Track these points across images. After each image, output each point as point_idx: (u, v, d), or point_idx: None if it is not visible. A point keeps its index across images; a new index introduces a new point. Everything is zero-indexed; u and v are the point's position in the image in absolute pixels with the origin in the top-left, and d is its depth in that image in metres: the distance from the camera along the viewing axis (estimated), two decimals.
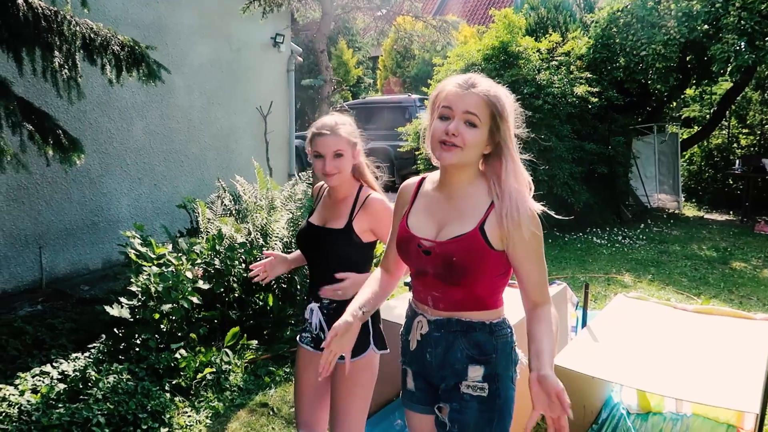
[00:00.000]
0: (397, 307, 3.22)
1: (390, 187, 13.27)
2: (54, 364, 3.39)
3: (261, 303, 4.21)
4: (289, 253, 2.66)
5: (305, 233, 2.21)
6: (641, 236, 8.11)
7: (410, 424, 1.84)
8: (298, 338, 2.28)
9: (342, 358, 2.04)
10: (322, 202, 2.25)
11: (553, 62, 8.60)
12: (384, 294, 1.82)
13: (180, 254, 3.99)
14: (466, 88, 1.53)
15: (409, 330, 1.75)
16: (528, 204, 1.52)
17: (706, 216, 9.97)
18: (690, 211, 10.49)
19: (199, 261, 4.02)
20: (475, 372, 1.61)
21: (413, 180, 1.77)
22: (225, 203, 5.03)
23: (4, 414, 2.84)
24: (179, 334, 3.72)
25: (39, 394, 3.03)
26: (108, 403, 2.98)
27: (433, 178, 1.71)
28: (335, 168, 2.06)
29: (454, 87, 1.54)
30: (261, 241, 4.36)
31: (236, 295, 4.14)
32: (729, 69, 7.72)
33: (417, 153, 9.15)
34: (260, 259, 4.24)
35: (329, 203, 2.20)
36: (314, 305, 2.17)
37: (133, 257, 3.80)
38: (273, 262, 2.32)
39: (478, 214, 1.56)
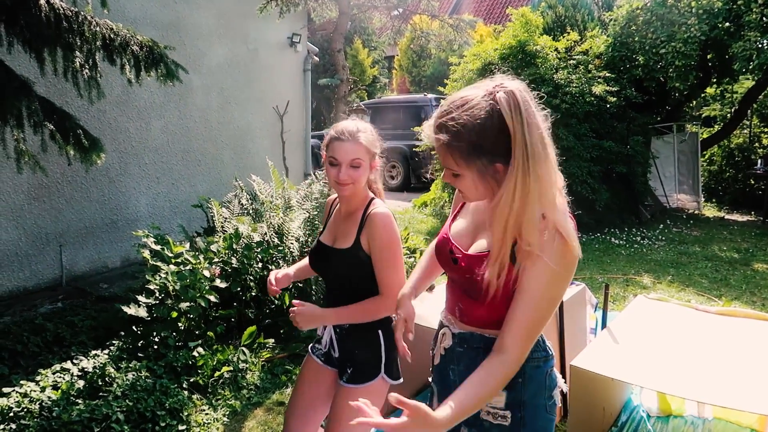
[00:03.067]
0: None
1: (406, 186, 13.16)
2: (74, 361, 3.43)
3: (278, 302, 4.22)
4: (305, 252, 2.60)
5: (316, 252, 2.12)
6: (660, 237, 8.00)
7: None
8: (310, 348, 2.21)
9: (350, 382, 1.98)
10: (333, 218, 2.13)
11: (571, 61, 8.53)
12: (436, 273, 1.76)
13: (197, 253, 4.02)
14: (435, 133, 1.35)
15: (435, 343, 1.66)
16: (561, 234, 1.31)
17: (727, 216, 9.82)
18: (710, 211, 10.34)
19: (216, 260, 4.04)
20: (497, 396, 1.44)
21: None
22: (242, 202, 5.05)
23: (25, 410, 2.88)
24: (197, 333, 3.74)
25: (59, 391, 3.06)
26: (127, 400, 3.01)
27: None
28: (350, 178, 1.91)
29: (429, 129, 1.38)
30: (276, 240, 4.37)
31: (253, 294, 4.16)
32: (751, 67, 7.60)
33: (433, 152, 9.13)
34: (276, 259, 4.28)
35: (340, 218, 2.09)
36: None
37: (147, 257, 3.83)
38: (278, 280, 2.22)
39: None
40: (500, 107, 1.27)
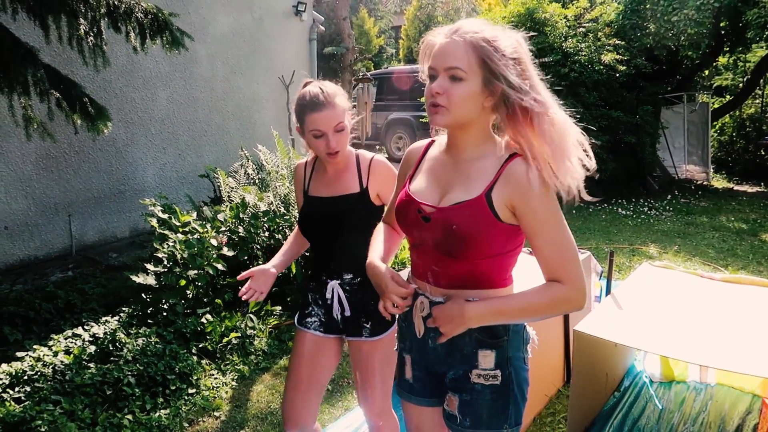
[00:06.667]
0: None
1: None
2: (85, 327, 3.50)
3: (285, 271, 4.26)
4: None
5: (313, 208, 2.00)
6: (668, 207, 7.97)
7: (407, 416, 1.70)
8: (298, 322, 2.08)
9: (373, 335, 1.97)
10: (316, 179, 2.04)
11: (581, 29, 8.40)
12: (394, 247, 1.65)
13: (205, 222, 4.05)
14: (448, 36, 1.35)
15: (407, 313, 1.58)
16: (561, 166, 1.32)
17: (736, 187, 9.75)
18: (719, 182, 10.27)
19: (223, 229, 4.07)
20: (486, 358, 1.46)
21: (421, 143, 1.61)
22: (248, 172, 5.06)
23: (39, 373, 2.95)
24: (205, 300, 3.79)
25: (71, 355, 3.13)
26: (137, 365, 3.07)
27: (441, 141, 1.55)
28: (338, 144, 1.86)
29: (437, 38, 1.37)
30: (283, 209, 4.39)
31: (260, 262, 4.19)
32: (765, 35, 7.46)
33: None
34: (283, 228, 4.30)
35: (328, 177, 2.01)
36: (333, 282, 1.99)
37: (155, 225, 3.85)
38: (256, 278, 2.01)
39: (485, 179, 1.38)
40: (512, 40, 1.37)
